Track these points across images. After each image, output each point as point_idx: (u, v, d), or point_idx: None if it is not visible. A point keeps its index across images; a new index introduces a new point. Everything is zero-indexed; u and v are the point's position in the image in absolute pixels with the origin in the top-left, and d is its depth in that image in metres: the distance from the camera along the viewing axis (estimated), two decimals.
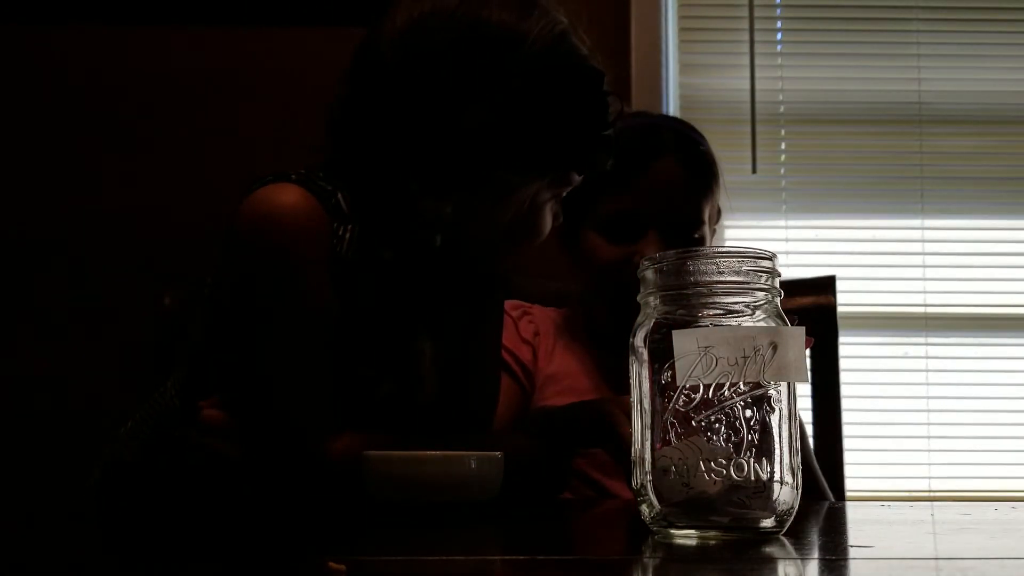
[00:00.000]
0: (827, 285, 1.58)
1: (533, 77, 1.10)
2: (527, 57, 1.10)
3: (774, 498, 0.71)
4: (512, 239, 1.18)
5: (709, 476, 0.70)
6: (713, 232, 1.45)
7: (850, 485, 1.58)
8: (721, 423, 0.71)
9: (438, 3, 1.12)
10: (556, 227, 1.23)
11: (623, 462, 1.05)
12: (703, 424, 0.71)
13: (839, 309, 1.57)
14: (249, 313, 1.11)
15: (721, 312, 0.74)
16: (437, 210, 1.11)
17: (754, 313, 0.74)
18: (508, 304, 1.47)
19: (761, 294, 0.74)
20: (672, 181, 1.38)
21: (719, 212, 1.47)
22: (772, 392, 0.72)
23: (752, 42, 2.31)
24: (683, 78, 2.34)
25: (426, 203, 1.11)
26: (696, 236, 1.39)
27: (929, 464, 2.11)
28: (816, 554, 0.70)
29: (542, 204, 1.17)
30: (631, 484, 0.77)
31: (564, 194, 1.20)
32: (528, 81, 1.10)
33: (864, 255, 2.33)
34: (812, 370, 1.53)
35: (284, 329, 1.09)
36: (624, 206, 1.37)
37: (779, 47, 2.39)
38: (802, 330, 0.73)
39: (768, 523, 0.71)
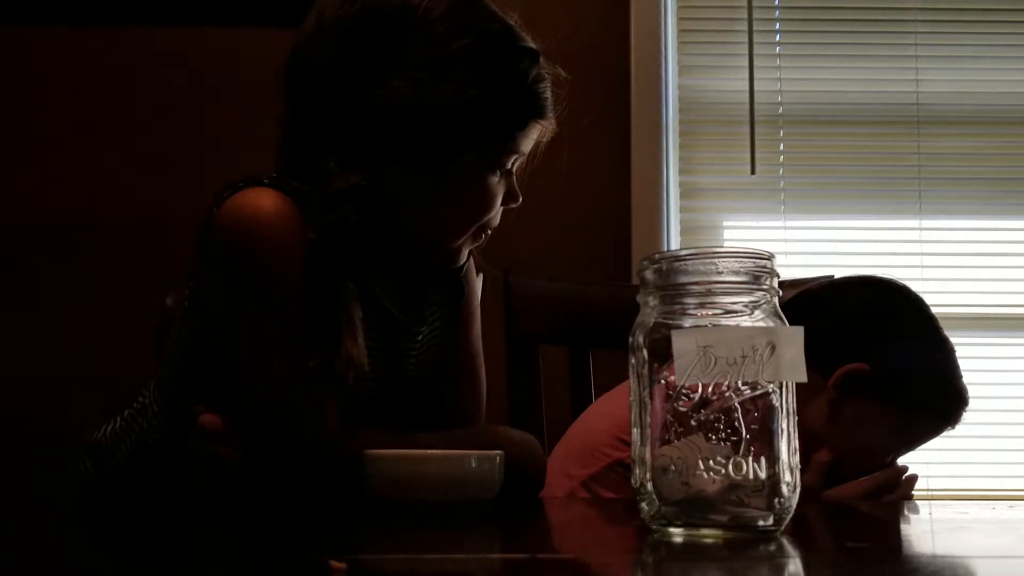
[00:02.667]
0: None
1: (435, 43, 1.10)
2: (434, 21, 1.11)
3: (772, 497, 0.71)
4: (461, 218, 1.16)
5: (708, 475, 0.70)
6: None
7: None
8: (720, 422, 0.71)
9: None
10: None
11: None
12: (702, 423, 0.72)
13: None
14: (234, 318, 1.11)
15: (720, 312, 0.74)
16: (347, 183, 1.10)
17: (752, 313, 0.74)
18: None
19: (760, 294, 0.75)
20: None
21: None
22: (771, 391, 0.72)
23: (751, 43, 2.32)
24: (682, 79, 2.34)
25: (338, 178, 1.11)
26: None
27: (927, 463, 2.12)
28: (814, 553, 0.70)
29: (483, 175, 1.15)
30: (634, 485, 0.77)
31: (512, 163, 1.17)
32: (431, 47, 1.10)
33: (863, 255, 2.33)
34: None
35: (271, 332, 1.09)
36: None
37: (778, 48, 2.39)
38: (800, 330, 0.74)
39: (767, 522, 0.72)
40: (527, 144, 1.17)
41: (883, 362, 1.28)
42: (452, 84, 1.10)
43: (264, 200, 1.10)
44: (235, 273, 1.10)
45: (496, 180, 1.16)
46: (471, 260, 1.29)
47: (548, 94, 1.16)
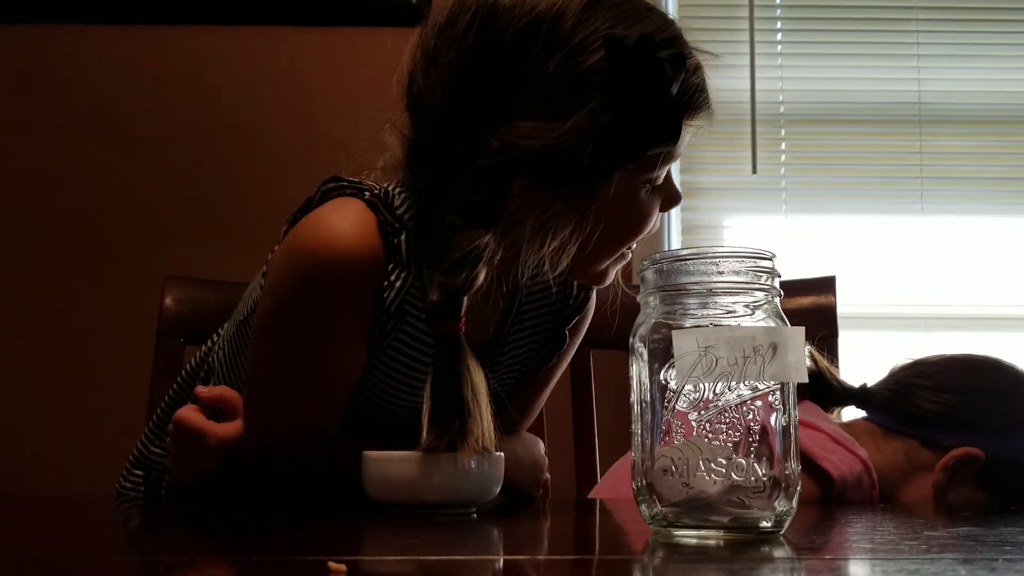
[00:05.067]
0: (827, 285, 1.58)
1: (564, 63, 0.96)
2: (556, 40, 0.97)
3: (774, 498, 0.71)
4: (611, 242, 1.04)
5: (709, 476, 0.70)
6: None
7: None
8: (721, 423, 0.71)
9: (454, 8, 1.01)
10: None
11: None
12: (703, 424, 0.71)
13: (839, 309, 1.57)
14: (262, 340, 1.05)
15: (721, 312, 0.74)
16: (474, 242, 0.97)
17: (754, 313, 0.74)
18: None
19: (761, 294, 0.75)
20: None
21: None
22: (772, 392, 0.72)
23: (752, 42, 2.31)
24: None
25: (465, 237, 0.97)
26: None
27: None
28: (815, 554, 0.70)
29: (633, 193, 1.02)
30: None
31: (662, 174, 1.04)
32: (555, 75, 0.96)
33: (864, 255, 2.33)
34: None
35: (290, 355, 1.03)
36: None
37: (779, 47, 2.39)
38: (801, 330, 0.74)
39: (768, 523, 0.71)
40: (681, 146, 1.02)
41: (997, 451, 1.25)
42: (583, 114, 0.95)
43: (349, 221, 1.01)
44: (281, 294, 1.03)
45: (647, 192, 1.04)
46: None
47: (704, 86, 1.03)
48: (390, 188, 1.07)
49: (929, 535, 0.83)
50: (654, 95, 0.96)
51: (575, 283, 1.17)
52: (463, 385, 0.95)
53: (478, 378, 0.96)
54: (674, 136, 0.97)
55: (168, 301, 1.54)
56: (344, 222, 1.01)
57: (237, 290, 1.57)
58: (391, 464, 0.94)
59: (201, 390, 1.07)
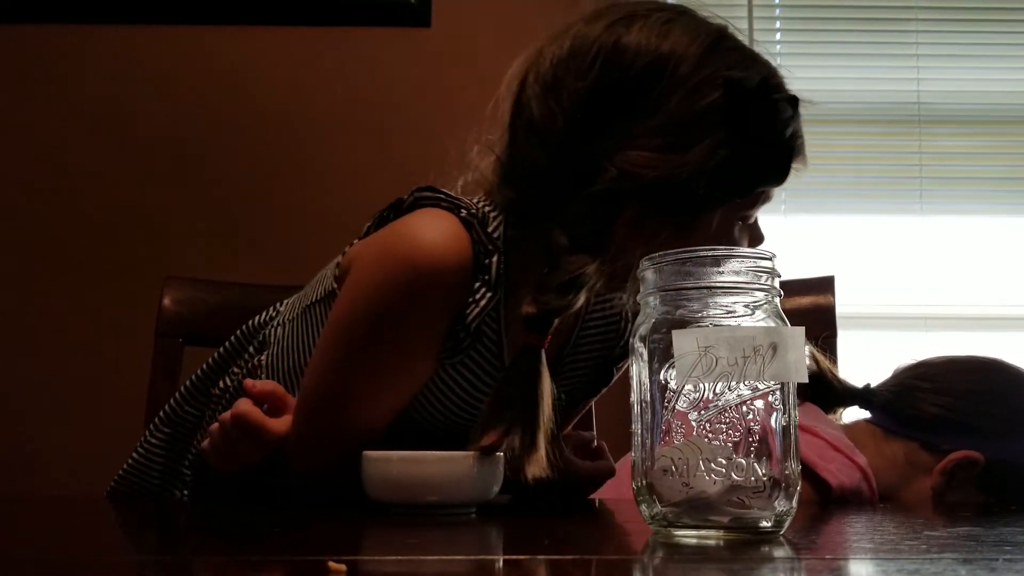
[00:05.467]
0: (827, 285, 1.58)
1: (685, 100, 1.00)
2: (676, 79, 1.00)
3: (773, 498, 0.71)
4: None
5: (709, 476, 0.70)
6: None
7: None
8: (721, 423, 0.71)
9: (576, 42, 1.04)
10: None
11: None
12: (703, 424, 0.71)
13: (838, 309, 1.57)
14: (342, 321, 1.05)
15: (721, 312, 0.74)
16: (581, 267, 0.99)
17: (754, 313, 0.74)
18: None
19: (761, 294, 0.75)
20: None
21: None
22: (772, 392, 0.72)
23: (751, 42, 2.31)
24: None
25: (572, 262, 1.00)
26: None
27: None
28: (815, 554, 0.70)
29: (729, 228, 1.06)
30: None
31: (756, 213, 1.08)
32: (676, 109, 1.00)
33: (863, 255, 2.33)
34: None
35: (362, 357, 1.03)
36: None
37: (778, 47, 2.39)
38: (801, 330, 0.74)
39: (767, 523, 0.71)
40: (778, 187, 1.07)
41: (997, 455, 1.24)
42: (701, 148, 0.99)
43: (443, 234, 1.02)
44: (365, 295, 1.04)
45: (739, 229, 1.08)
46: None
47: (802, 132, 1.07)
48: (484, 207, 1.09)
49: (929, 535, 0.83)
50: (769, 135, 1.02)
51: (629, 324, 1.19)
52: (538, 398, 0.96)
53: (549, 395, 0.98)
54: (784, 175, 1.04)
55: (167, 301, 1.54)
56: (440, 235, 1.02)
57: (236, 290, 1.58)
58: (391, 464, 0.94)
59: (251, 384, 1.07)
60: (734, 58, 1.04)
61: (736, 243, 1.08)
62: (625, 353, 1.21)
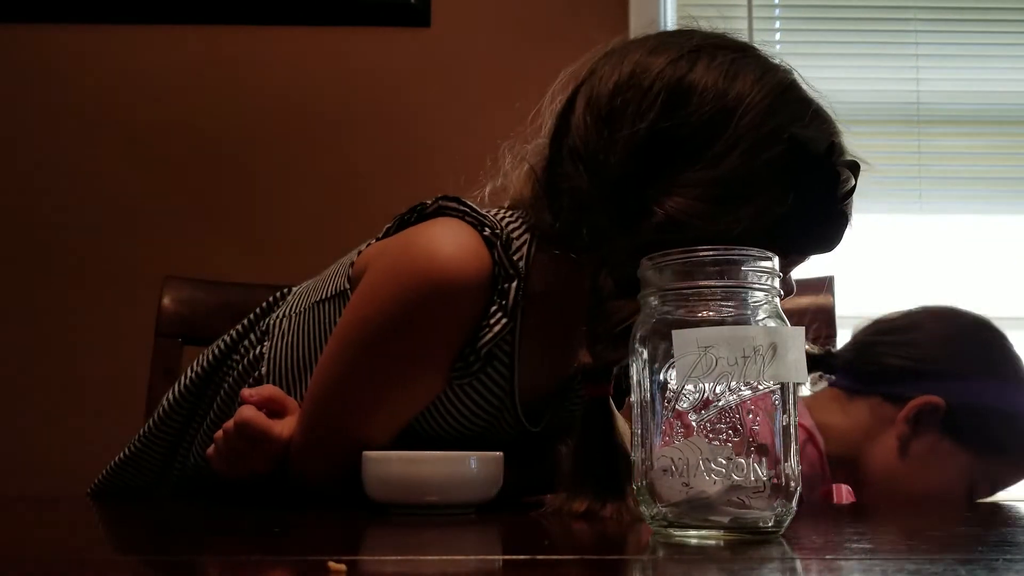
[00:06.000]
0: (826, 285, 1.58)
1: (747, 153, 0.95)
2: (741, 129, 0.96)
3: (773, 498, 0.71)
4: None
5: (709, 476, 0.70)
6: None
7: None
8: (721, 423, 0.71)
9: (638, 71, 0.98)
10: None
11: None
12: (703, 424, 0.71)
13: (838, 309, 1.57)
14: (352, 326, 1.03)
15: (721, 312, 0.74)
16: (625, 316, 0.91)
17: (754, 313, 0.74)
18: None
19: (761, 294, 0.75)
20: None
21: None
22: (772, 392, 0.72)
23: (751, 42, 2.31)
24: None
25: (619, 309, 0.93)
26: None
27: None
28: (815, 554, 0.70)
29: None
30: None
31: (791, 271, 1.03)
32: (742, 158, 0.95)
33: (863, 255, 2.33)
34: None
35: (371, 364, 1.01)
36: None
37: (778, 47, 2.39)
38: (801, 330, 0.74)
39: (768, 523, 0.71)
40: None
41: (959, 398, 1.24)
42: (757, 204, 0.94)
43: (460, 255, 0.98)
44: (378, 302, 1.01)
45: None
46: None
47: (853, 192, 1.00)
48: (509, 223, 1.05)
49: (929, 535, 0.83)
50: (829, 200, 0.96)
51: None
52: (617, 449, 0.92)
53: (627, 441, 0.92)
54: (836, 243, 0.99)
55: (166, 301, 1.54)
56: (460, 250, 0.99)
57: (236, 290, 1.57)
58: (391, 464, 0.94)
59: (248, 394, 1.05)
60: (800, 111, 1.00)
61: None
62: None
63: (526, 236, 1.05)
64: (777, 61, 1.03)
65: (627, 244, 0.94)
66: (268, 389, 1.07)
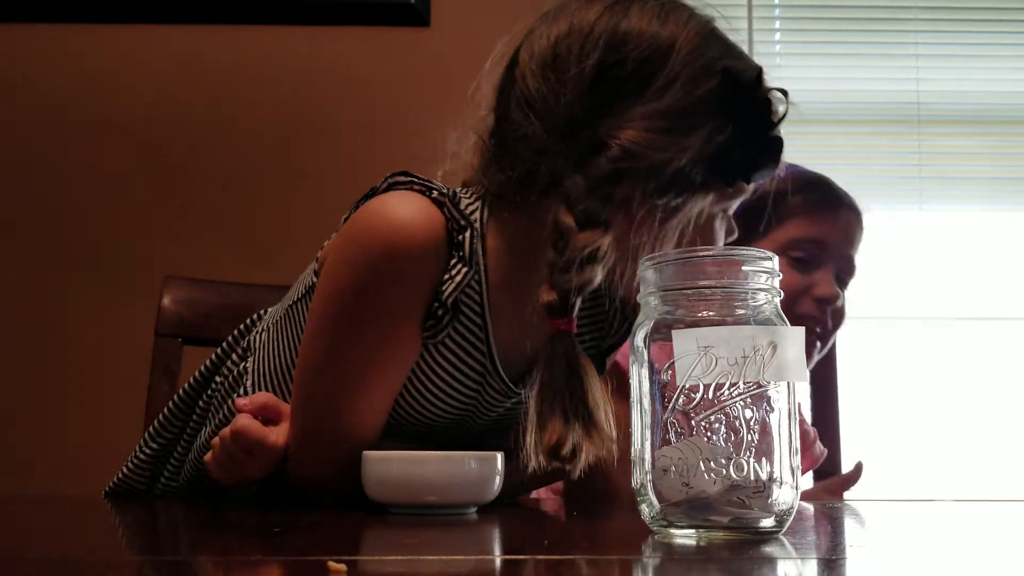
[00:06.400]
0: None
1: (686, 85, 1.02)
2: (677, 64, 1.03)
3: (773, 498, 0.71)
4: None
5: (709, 476, 0.70)
6: None
7: None
8: (721, 423, 0.71)
9: (575, 22, 1.05)
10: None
11: None
12: (703, 424, 0.71)
13: None
14: (322, 306, 1.05)
15: (721, 312, 0.74)
16: (593, 243, 0.99)
17: (754, 313, 0.74)
18: None
19: (761, 294, 0.75)
20: (851, 230, 1.54)
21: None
22: (772, 392, 0.72)
23: (751, 42, 2.31)
24: None
25: (581, 239, 0.99)
26: (848, 284, 1.53)
27: (928, 463, 2.12)
28: (815, 554, 0.70)
29: (711, 219, 1.07)
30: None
31: (735, 206, 1.10)
32: (682, 91, 1.02)
33: (863, 254, 2.33)
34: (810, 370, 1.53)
35: (345, 337, 1.03)
36: (811, 234, 1.49)
37: (778, 47, 2.39)
38: (801, 330, 0.74)
39: (767, 523, 0.71)
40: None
41: None
42: (701, 133, 1.02)
43: (412, 212, 1.03)
44: (339, 275, 1.04)
45: (720, 220, 1.10)
46: None
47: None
48: (458, 191, 1.10)
49: (929, 534, 0.83)
50: (765, 125, 1.06)
51: (617, 314, 1.19)
52: (584, 379, 0.96)
53: (595, 377, 0.98)
54: (775, 164, 1.07)
55: (166, 301, 1.54)
56: (410, 212, 1.03)
57: (236, 290, 1.58)
58: (391, 464, 0.94)
59: (243, 403, 1.06)
60: (728, 47, 1.07)
61: (715, 232, 1.09)
62: (616, 343, 1.21)
63: (478, 203, 1.09)
64: (700, 10, 1.09)
65: (584, 179, 1.01)
66: (262, 397, 1.08)
